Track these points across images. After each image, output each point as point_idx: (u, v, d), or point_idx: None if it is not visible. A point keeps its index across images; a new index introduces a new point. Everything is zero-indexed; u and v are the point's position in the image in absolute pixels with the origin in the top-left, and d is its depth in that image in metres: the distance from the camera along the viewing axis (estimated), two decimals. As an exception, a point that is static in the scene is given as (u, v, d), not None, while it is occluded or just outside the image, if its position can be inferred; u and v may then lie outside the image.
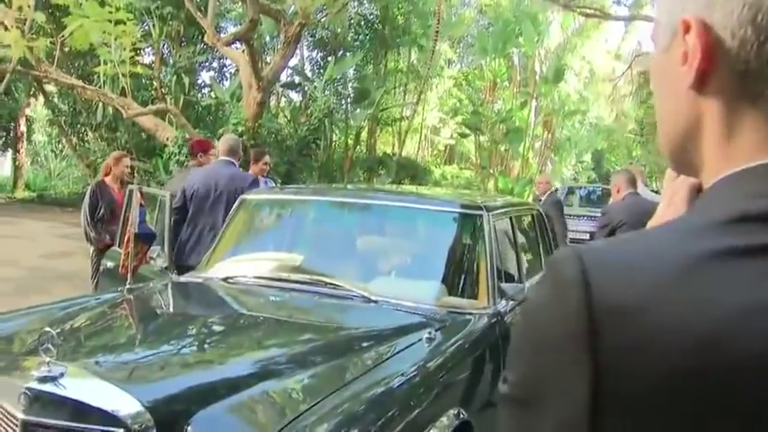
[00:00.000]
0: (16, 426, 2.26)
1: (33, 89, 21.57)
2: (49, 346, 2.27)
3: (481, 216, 3.77)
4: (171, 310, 3.64)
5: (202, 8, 13.42)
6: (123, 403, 2.17)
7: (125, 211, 5.18)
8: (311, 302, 3.54)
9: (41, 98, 21.88)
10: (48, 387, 2.24)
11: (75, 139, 20.25)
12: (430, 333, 2.92)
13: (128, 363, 2.64)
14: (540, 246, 4.84)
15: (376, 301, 3.41)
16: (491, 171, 23.75)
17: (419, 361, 2.76)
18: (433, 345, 2.89)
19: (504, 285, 3.60)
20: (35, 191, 23.83)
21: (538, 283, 0.71)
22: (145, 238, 4.87)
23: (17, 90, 22.50)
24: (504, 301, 3.54)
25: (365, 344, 2.97)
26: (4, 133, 23.65)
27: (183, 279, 3.97)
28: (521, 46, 23.70)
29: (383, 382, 2.50)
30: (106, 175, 6.94)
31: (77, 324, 3.02)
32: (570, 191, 19.14)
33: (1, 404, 2.37)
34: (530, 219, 4.84)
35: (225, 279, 3.79)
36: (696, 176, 0.77)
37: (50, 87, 19.68)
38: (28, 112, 25.42)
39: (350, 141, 21.59)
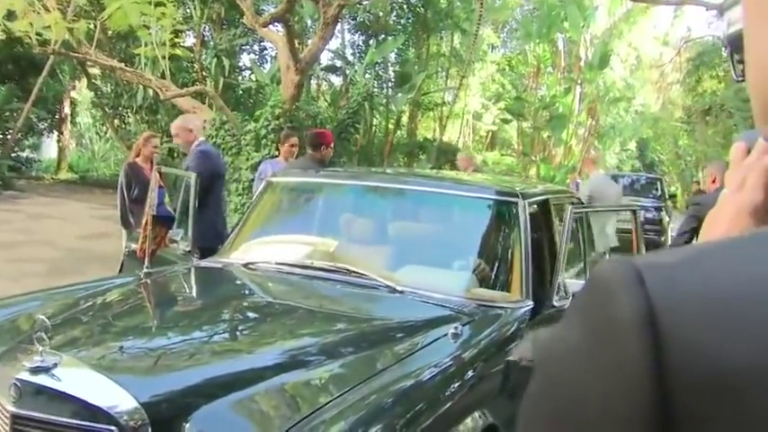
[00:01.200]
0: (6, 419, 2.13)
1: (77, 72, 21.76)
2: (42, 334, 2.13)
3: (516, 204, 3.55)
4: (185, 297, 3.49)
5: (242, -10, 13.29)
6: (117, 398, 2.01)
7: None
8: (332, 291, 3.36)
9: (85, 81, 22.05)
10: (39, 379, 2.10)
11: (116, 122, 20.37)
12: (456, 328, 2.71)
13: (129, 353, 2.47)
14: (581, 237, 4.57)
15: (402, 292, 3.22)
16: (533, 158, 23.44)
17: (442, 358, 2.56)
18: (460, 341, 2.68)
19: (570, 282, 3.36)
20: (78, 172, 24.12)
21: (570, 313, 0.46)
22: (164, 221, 4.74)
23: (62, 73, 22.75)
24: (568, 299, 3.30)
25: (385, 338, 2.77)
26: (50, 116, 23.88)
27: (202, 264, 3.82)
28: (566, 31, 23.29)
29: (397, 383, 2.31)
30: (137, 155, 6.88)
31: (82, 310, 2.88)
32: (613, 179, 18.67)
33: (-6, 395, 2.24)
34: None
35: (246, 265, 3.64)
36: None
37: (94, 70, 19.81)
38: (73, 94, 25.70)
39: (390, 126, 21.43)
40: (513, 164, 24.93)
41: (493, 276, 3.51)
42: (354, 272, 3.36)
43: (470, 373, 2.64)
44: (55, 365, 2.11)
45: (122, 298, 3.23)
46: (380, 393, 2.20)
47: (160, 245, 4.30)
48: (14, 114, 19.08)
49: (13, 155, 20.12)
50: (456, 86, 22.40)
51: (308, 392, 2.36)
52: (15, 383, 2.11)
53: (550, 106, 23.21)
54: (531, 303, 3.27)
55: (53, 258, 9.50)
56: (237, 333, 3.00)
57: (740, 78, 0.63)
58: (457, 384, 2.50)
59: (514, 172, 22.87)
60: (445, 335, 2.71)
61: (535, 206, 3.76)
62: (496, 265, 3.58)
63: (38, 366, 2.11)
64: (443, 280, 3.39)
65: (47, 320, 2.16)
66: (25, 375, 2.11)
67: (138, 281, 3.48)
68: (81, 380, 2.12)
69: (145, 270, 3.53)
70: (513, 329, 3.06)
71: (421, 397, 2.33)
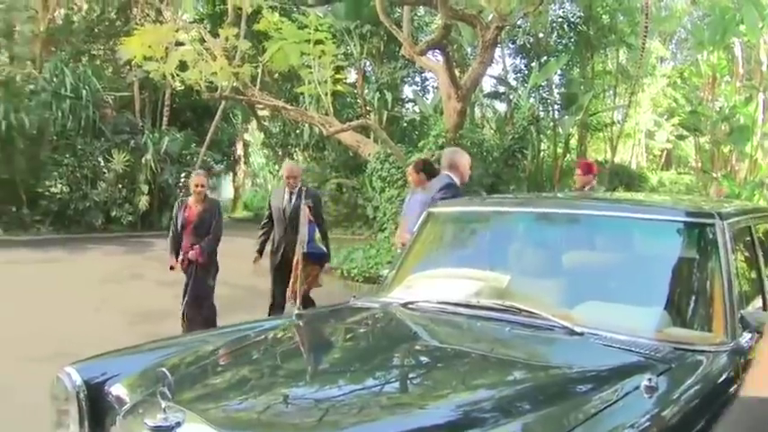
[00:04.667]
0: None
1: (248, 115, 22.78)
2: (165, 390, 1.90)
3: (713, 225, 3.02)
4: (339, 342, 3.19)
5: (400, 23, 13.33)
6: None
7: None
8: (502, 334, 2.95)
9: (255, 123, 23.04)
10: None
11: (286, 160, 21.06)
12: (650, 380, 2.23)
13: (269, 410, 2.18)
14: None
15: (581, 334, 2.78)
16: (714, 175, 21.95)
17: (636, 418, 2.10)
18: (656, 396, 2.21)
19: (746, 312, 2.83)
20: (252, 210, 25.18)
21: None
22: (315, 259, 4.49)
23: (234, 117, 23.92)
24: (746, 334, 2.78)
25: (566, 391, 2.33)
26: (225, 158, 25.15)
27: (357, 304, 3.54)
28: (742, 35, 21.74)
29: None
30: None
31: (225, 357, 2.66)
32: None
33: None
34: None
35: (405, 304, 3.33)
36: None
37: (264, 112, 20.63)
38: (245, 136, 26.98)
39: (559, 149, 20.82)
40: (693, 182, 23.43)
41: (689, 313, 3.00)
42: (526, 311, 2.96)
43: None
44: (178, 425, 1.88)
45: (270, 344, 2.99)
46: None
47: (312, 284, 4.09)
48: (193, 158, 20.13)
49: (193, 196, 21.23)
50: (625, 104, 21.55)
51: None
52: (135, 445, 1.90)
53: (730, 118, 21.78)
54: (737, 344, 2.74)
55: (225, 295, 9.64)
56: (400, 384, 2.64)
57: None
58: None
59: (695, 191, 21.54)
60: (637, 387, 2.24)
61: (736, 228, 3.19)
62: (693, 299, 3.06)
63: (159, 426, 1.89)
64: (630, 318, 2.92)
65: (168, 374, 1.93)
66: None
67: (289, 324, 3.25)
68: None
69: (296, 311, 3.30)
70: (719, 379, 2.54)
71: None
